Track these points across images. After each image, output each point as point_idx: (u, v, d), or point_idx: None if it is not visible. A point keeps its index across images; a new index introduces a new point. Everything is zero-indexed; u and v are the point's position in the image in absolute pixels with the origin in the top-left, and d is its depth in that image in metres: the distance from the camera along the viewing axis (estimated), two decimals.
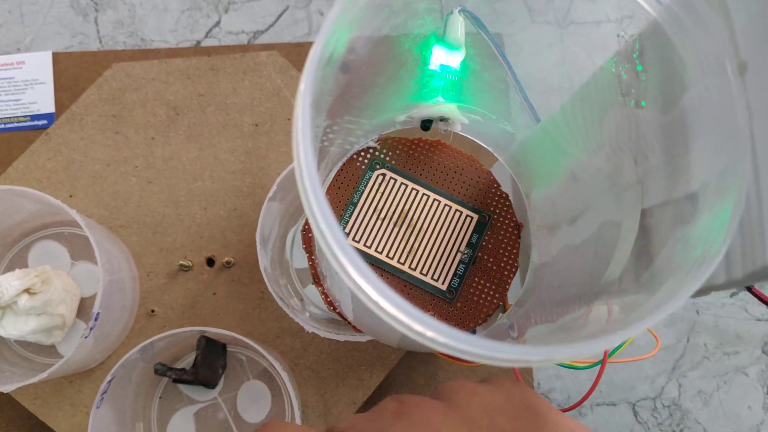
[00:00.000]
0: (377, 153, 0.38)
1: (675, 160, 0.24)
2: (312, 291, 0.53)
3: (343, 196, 0.38)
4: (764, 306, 0.59)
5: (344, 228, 0.37)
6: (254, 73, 0.55)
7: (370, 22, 0.25)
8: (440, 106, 0.37)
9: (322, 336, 0.44)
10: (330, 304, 0.38)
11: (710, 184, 0.22)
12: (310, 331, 0.43)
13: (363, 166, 0.38)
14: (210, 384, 0.50)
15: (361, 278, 0.18)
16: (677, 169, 0.24)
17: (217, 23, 0.62)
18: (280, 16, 0.63)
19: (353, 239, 0.37)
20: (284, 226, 0.53)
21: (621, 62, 0.27)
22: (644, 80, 0.26)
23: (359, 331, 0.39)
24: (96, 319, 0.44)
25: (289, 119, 0.55)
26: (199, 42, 0.62)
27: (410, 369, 0.56)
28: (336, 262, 0.18)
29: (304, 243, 0.39)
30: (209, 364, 0.50)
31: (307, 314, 0.50)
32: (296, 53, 0.60)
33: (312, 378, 0.51)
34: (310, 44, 0.60)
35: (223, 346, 0.51)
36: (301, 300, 0.52)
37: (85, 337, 0.44)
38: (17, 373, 0.49)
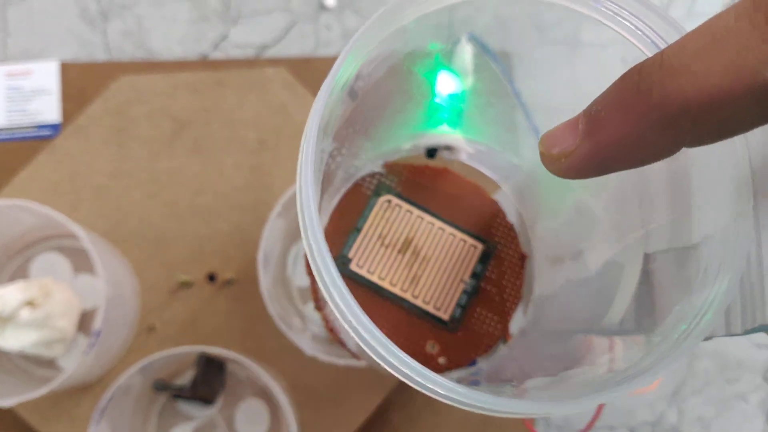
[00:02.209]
0: (383, 179, 0.38)
1: (679, 209, 0.24)
2: (313, 310, 0.53)
3: (348, 221, 0.38)
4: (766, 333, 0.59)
5: (348, 254, 0.37)
6: (261, 88, 0.55)
7: (380, 49, 0.25)
8: (446, 135, 0.37)
9: (322, 360, 0.43)
10: (331, 330, 0.38)
11: (713, 237, 0.22)
12: (310, 354, 0.43)
13: (368, 192, 0.38)
14: (208, 401, 0.50)
15: (360, 328, 0.18)
16: (680, 219, 0.24)
17: (225, 36, 0.62)
18: (288, 30, 0.63)
19: (356, 265, 0.37)
20: (287, 244, 0.53)
21: None
22: None
23: (358, 358, 0.38)
24: (97, 336, 0.44)
25: (293, 136, 0.55)
26: (206, 54, 0.62)
27: (410, 390, 0.56)
28: (340, 313, 0.19)
29: (306, 267, 0.39)
30: (208, 381, 0.50)
31: (309, 333, 0.50)
32: (303, 68, 0.59)
33: (311, 398, 0.51)
34: (317, 60, 0.60)
35: (222, 364, 0.51)
36: (302, 318, 0.52)
37: (86, 355, 0.44)
38: (17, 384, 0.49)
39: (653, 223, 0.26)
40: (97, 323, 0.44)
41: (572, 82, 0.68)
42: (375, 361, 0.19)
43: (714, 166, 0.21)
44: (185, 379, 0.52)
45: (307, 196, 0.20)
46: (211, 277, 0.53)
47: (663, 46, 0.25)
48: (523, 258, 0.38)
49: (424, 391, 0.20)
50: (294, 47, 0.62)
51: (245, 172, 0.54)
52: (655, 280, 0.25)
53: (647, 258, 0.26)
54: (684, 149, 0.18)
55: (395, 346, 0.19)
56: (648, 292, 0.26)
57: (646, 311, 0.26)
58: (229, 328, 0.52)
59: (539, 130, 0.37)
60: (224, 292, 0.53)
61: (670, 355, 0.19)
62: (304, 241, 0.20)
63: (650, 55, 0.24)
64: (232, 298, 0.53)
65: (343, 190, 0.39)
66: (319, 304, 0.38)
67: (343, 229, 0.38)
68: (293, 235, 0.53)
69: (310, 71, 0.59)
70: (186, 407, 0.52)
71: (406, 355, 0.18)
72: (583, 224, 0.32)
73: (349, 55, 0.22)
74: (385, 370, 0.20)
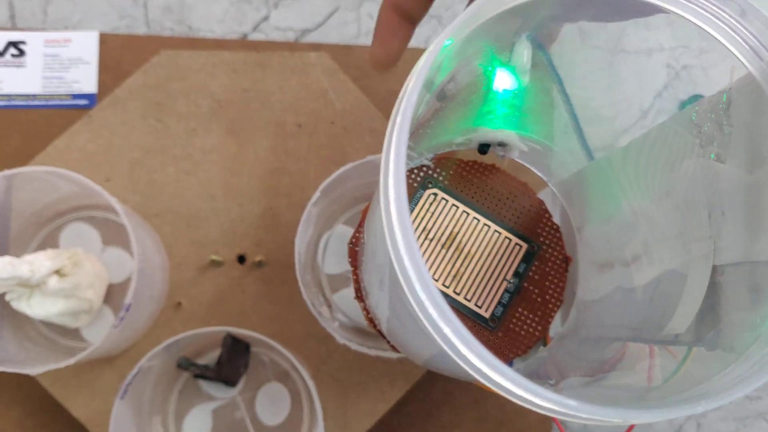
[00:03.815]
0: (431, 172, 0.38)
1: (756, 222, 0.24)
2: (341, 298, 0.52)
3: None
4: None
5: None
6: (302, 72, 0.55)
7: (469, 49, 0.25)
8: (501, 131, 0.36)
9: (353, 349, 0.43)
10: (371, 321, 0.37)
11: None
12: (342, 343, 0.43)
13: (416, 184, 0.38)
14: (231, 382, 0.50)
15: (450, 331, 0.18)
16: (758, 232, 0.24)
17: (266, 17, 0.62)
18: (329, 16, 0.62)
19: None
20: (318, 230, 0.53)
21: (704, 112, 0.27)
22: (728, 134, 0.25)
23: (396, 350, 0.38)
24: (127, 310, 0.44)
25: (332, 123, 0.54)
26: (246, 35, 0.61)
27: (429, 385, 0.55)
28: (422, 312, 0.18)
29: (350, 257, 0.38)
30: (233, 362, 0.49)
31: (337, 323, 0.49)
32: (343, 55, 0.59)
33: (333, 386, 0.51)
34: (358, 47, 0.59)
35: (248, 346, 0.51)
36: (329, 307, 0.52)
37: (115, 328, 0.44)
38: (41, 353, 0.49)
39: (724, 235, 0.25)
40: (128, 297, 0.44)
41: (613, 87, 0.67)
42: (472, 376, 0.19)
43: None
44: (209, 357, 0.51)
45: (401, 209, 0.19)
46: (241, 259, 0.53)
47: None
48: (567, 260, 0.38)
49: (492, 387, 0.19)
50: (334, 34, 0.62)
51: (281, 155, 0.54)
52: (722, 293, 0.25)
53: (715, 269, 0.25)
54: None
55: (505, 366, 0.18)
56: (713, 305, 0.25)
57: (710, 325, 0.25)
58: (256, 310, 0.52)
59: (585, 135, 0.37)
60: (253, 275, 0.52)
61: (756, 374, 0.19)
62: (395, 260, 0.19)
63: (744, 61, 0.23)
64: (260, 281, 0.52)
65: None
66: (360, 294, 0.38)
67: None
68: (325, 222, 0.53)
69: (350, 59, 0.59)
70: (207, 387, 0.51)
71: (519, 376, 0.18)
72: (639, 231, 0.32)
73: (437, 55, 0.22)
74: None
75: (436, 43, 0.21)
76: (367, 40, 0.61)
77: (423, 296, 0.18)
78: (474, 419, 0.56)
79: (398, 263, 0.18)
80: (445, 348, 0.18)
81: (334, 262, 0.53)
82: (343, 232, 0.53)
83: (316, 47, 0.59)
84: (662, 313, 0.29)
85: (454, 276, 0.36)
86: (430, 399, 0.55)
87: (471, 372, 0.18)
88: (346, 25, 0.62)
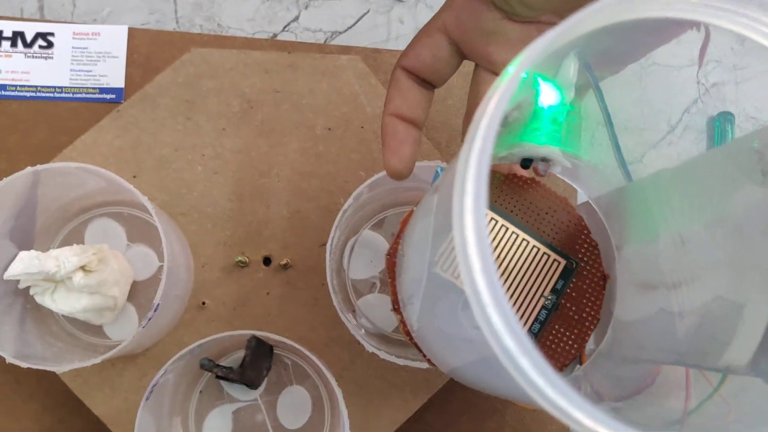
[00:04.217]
0: None
1: None
2: (365, 303, 0.52)
3: None
4: None
5: (433, 257, 0.36)
6: (333, 75, 0.55)
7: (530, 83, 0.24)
8: (545, 147, 0.36)
9: (381, 357, 0.43)
10: (407, 333, 0.37)
11: None
12: (371, 351, 0.43)
13: None
14: (253, 384, 0.50)
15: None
16: None
17: (296, 18, 0.61)
18: (359, 18, 0.62)
19: (441, 269, 0.36)
20: (345, 235, 0.52)
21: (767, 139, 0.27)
22: None
23: (432, 363, 0.38)
24: (155, 310, 0.43)
25: (363, 127, 0.54)
26: (275, 35, 0.61)
27: (449, 393, 0.55)
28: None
29: (387, 267, 0.38)
30: (256, 364, 0.49)
31: (363, 330, 0.49)
32: (372, 59, 0.59)
33: (356, 392, 0.50)
34: (388, 51, 0.59)
35: (271, 348, 0.50)
36: (353, 312, 0.52)
37: (143, 327, 0.43)
38: (64, 348, 0.49)
39: None
40: (157, 297, 0.43)
41: (642, 101, 0.67)
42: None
43: None
44: (232, 359, 0.51)
45: (485, 258, 0.18)
46: (267, 261, 0.52)
47: None
48: (605, 278, 0.38)
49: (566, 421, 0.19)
50: (364, 37, 0.61)
51: (310, 158, 0.53)
52: None
53: None
54: None
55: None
56: None
57: (765, 354, 0.25)
58: (281, 313, 0.52)
59: (623, 153, 0.36)
60: (278, 277, 0.52)
61: None
62: (470, 289, 0.18)
63: None
64: (285, 284, 0.52)
65: None
66: (397, 306, 0.37)
67: None
68: (353, 227, 0.52)
69: (379, 63, 0.58)
70: (229, 388, 0.51)
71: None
72: (686, 255, 0.31)
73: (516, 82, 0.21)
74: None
75: (513, 77, 0.21)
76: (395, 44, 0.61)
77: (512, 347, 0.18)
78: (493, 429, 0.55)
79: (479, 306, 0.18)
80: (531, 392, 0.18)
81: (359, 267, 0.52)
82: (369, 237, 0.53)
83: (346, 50, 0.59)
84: (712, 340, 0.28)
85: None
86: (450, 408, 0.55)
87: (555, 413, 0.18)
88: (376, 29, 0.62)
